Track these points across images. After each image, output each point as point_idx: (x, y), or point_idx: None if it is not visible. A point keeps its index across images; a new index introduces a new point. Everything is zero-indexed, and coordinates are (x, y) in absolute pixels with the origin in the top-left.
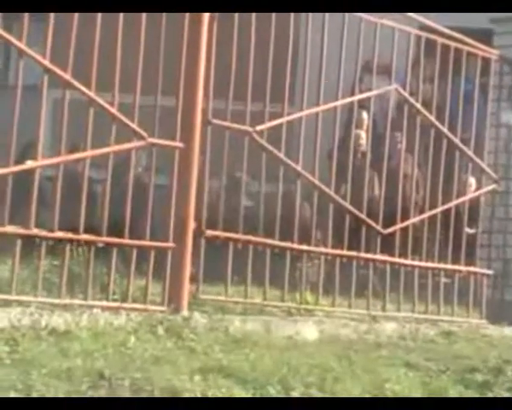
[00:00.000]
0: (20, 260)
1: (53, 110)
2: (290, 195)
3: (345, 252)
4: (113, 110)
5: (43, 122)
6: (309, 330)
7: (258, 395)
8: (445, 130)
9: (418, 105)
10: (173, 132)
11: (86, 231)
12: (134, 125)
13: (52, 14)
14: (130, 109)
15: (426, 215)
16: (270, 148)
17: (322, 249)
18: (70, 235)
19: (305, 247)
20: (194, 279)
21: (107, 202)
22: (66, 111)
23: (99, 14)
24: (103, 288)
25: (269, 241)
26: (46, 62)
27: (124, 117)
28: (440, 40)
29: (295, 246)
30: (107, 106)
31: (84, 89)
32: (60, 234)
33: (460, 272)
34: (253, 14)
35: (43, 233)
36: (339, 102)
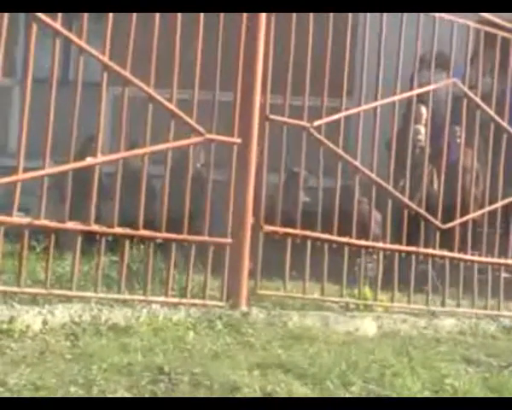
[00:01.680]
0: (81, 256)
1: (112, 107)
2: (348, 190)
3: (403, 247)
4: (172, 106)
5: (102, 119)
6: (368, 326)
7: (317, 391)
8: (505, 124)
9: (477, 99)
10: (231, 128)
11: (145, 227)
12: (192, 122)
13: (111, 13)
14: (189, 105)
15: (486, 210)
16: (328, 143)
17: (381, 244)
18: (129, 231)
19: (363, 242)
20: (252, 275)
21: (165, 198)
22: (125, 107)
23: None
24: (162, 283)
25: (327, 236)
26: (105, 59)
27: (182, 113)
28: (500, 33)
29: (354, 241)
30: (165, 102)
31: (143, 85)
32: (119, 230)
33: None
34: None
35: (103, 229)
36: (397, 97)
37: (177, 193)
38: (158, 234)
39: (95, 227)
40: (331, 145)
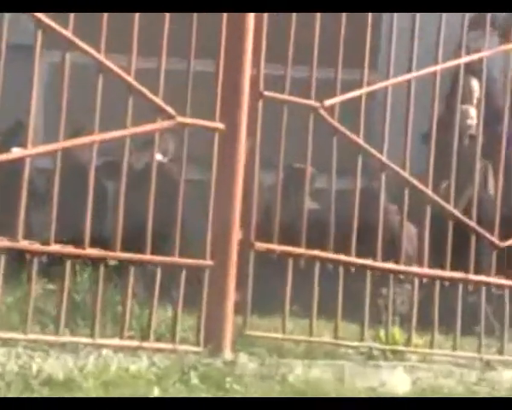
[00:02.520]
0: (5, 283)
1: (49, 78)
2: (371, 194)
3: (447, 273)
4: (130, 79)
5: (35, 94)
6: (398, 381)
7: None
8: None
9: None
10: (212, 109)
11: (94, 243)
12: (158, 100)
13: None
14: (154, 78)
15: None
16: (344, 129)
17: (416, 269)
18: (71, 249)
19: (391, 265)
20: (239, 309)
21: (121, 205)
22: (66, 80)
23: None
24: (117, 321)
25: (342, 257)
26: (40, 16)
27: (144, 88)
28: None
29: (379, 264)
30: (121, 73)
31: (90, 50)
32: (57, 248)
33: None
34: None
35: (36, 247)
36: (439, 67)
37: (138, 198)
38: (111, 253)
39: (24, 244)
40: (348, 133)
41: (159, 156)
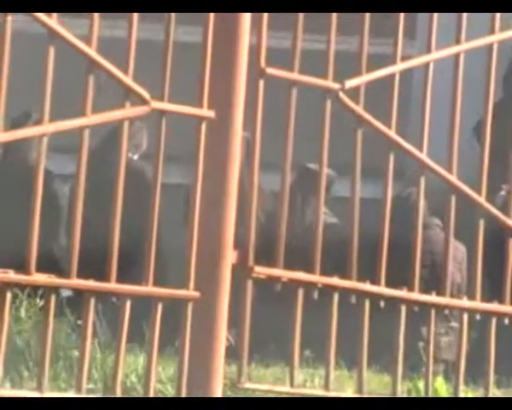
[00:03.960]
0: None
1: None
2: (406, 203)
3: (507, 307)
4: (92, 51)
5: None
6: None
7: None
8: None
9: None
10: (198, 91)
11: (41, 267)
12: (128, 79)
13: None
14: (122, 49)
15: None
16: (371, 118)
17: (466, 302)
18: (12, 275)
19: (433, 298)
20: (233, 354)
21: (79, 218)
22: (6, 50)
23: None
24: (72, 369)
25: (368, 287)
26: None
27: (110, 64)
28: None
29: (416, 296)
30: (79, 43)
31: (38, 14)
32: None
33: None
34: None
35: None
36: (495, 37)
37: (100, 208)
38: (65, 281)
39: None
40: (377, 123)
41: (133, 154)
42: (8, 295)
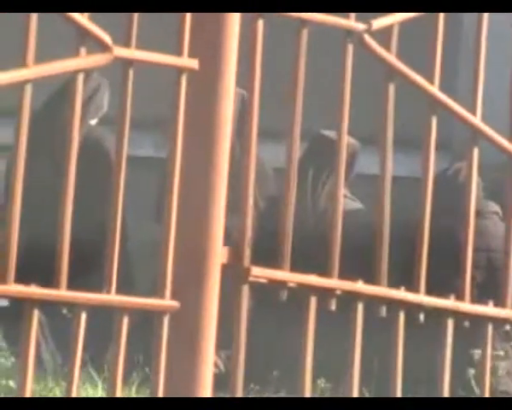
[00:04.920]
0: None
1: None
2: (452, 182)
3: None
4: None
5: None
6: None
7: None
8: None
9: None
10: (175, 35)
11: None
12: (84, 19)
13: None
14: None
15: None
16: (407, 70)
17: None
18: None
19: (489, 309)
20: (223, 384)
21: (17, 201)
22: None
23: None
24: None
25: (403, 294)
26: None
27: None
28: None
29: (466, 306)
30: None
31: None
32: None
33: None
34: None
35: None
36: None
37: (45, 188)
38: (3, 288)
39: None
40: (414, 76)
41: (90, 119)
42: None
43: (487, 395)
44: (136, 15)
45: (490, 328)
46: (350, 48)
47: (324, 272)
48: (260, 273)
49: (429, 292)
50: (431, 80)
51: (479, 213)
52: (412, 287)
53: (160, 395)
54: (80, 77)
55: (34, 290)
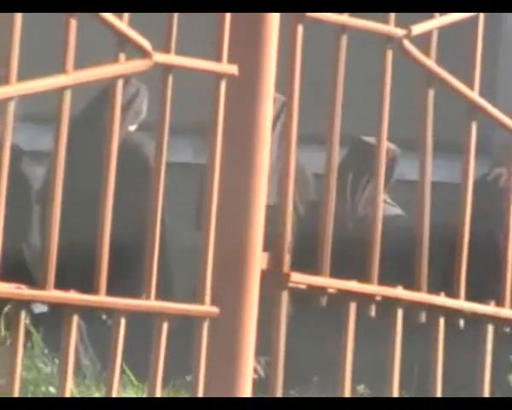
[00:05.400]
0: None
1: None
2: (493, 188)
3: None
4: None
5: None
6: None
7: None
8: None
9: None
10: (215, 41)
11: (7, 275)
12: (123, 25)
13: None
14: None
15: None
16: (447, 75)
17: None
18: None
19: None
20: (262, 389)
21: (56, 207)
22: None
23: None
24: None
25: (443, 300)
26: None
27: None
28: None
29: (507, 312)
30: None
31: None
32: None
33: None
34: None
35: None
36: None
37: (84, 194)
38: (39, 293)
39: None
40: (454, 81)
41: (129, 125)
42: None
43: None
44: (175, 21)
45: None
46: (389, 53)
47: (364, 277)
48: (300, 279)
49: (469, 298)
50: (470, 86)
51: None
52: (452, 293)
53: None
54: (119, 83)
55: (73, 296)
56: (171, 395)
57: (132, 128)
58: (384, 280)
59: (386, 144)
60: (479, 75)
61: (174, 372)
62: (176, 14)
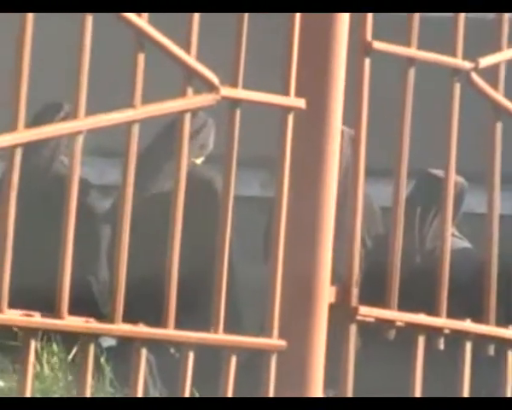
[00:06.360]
0: None
1: None
2: None
3: None
4: (142, 22)
5: None
6: None
7: None
8: None
9: None
10: (282, 76)
11: (76, 309)
12: (191, 59)
13: None
14: (183, 22)
15: None
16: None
17: None
18: (37, 318)
19: None
20: None
21: (124, 240)
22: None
23: None
24: None
25: None
26: None
27: (167, 39)
28: None
29: None
30: (132, 18)
31: None
32: (13, 316)
33: None
34: None
35: None
36: None
37: (152, 227)
38: (108, 326)
39: None
40: None
41: (195, 158)
42: (33, 345)
43: None
44: (242, 55)
45: None
46: (457, 86)
47: (431, 310)
48: (368, 313)
49: None
50: None
51: None
52: None
53: None
54: (187, 117)
55: (142, 330)
56: None
57: (199, 161)
58: (452, 313)
59: (454, 177)
60: None
61: None
62: (243, 48)
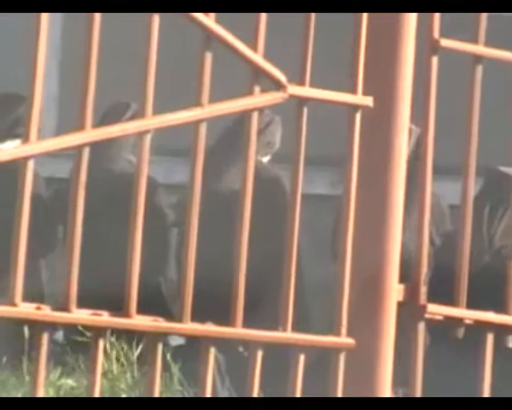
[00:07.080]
0: None
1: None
2: None
3: None
4: (209, 20)
5: (41, 63)
6: None
7: None
8: None
9: None
10: (349, 74)
11: (144, 308)
12: (258, 57)
13: None
14: (249, 21)
15: None
16: None
17: None
18: (105, 318)
19: None
20: None
21: (192, 240)
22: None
23: None
24: None
25: None
26: None
27: (232, 37)
28: None
29: None
30: (199, 17)
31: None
32: (84, 316)
33: None
34: None
35: (45, 314)
36: None
37: (220, 226)
38: (176, 325)
39: (25, 308)
40: None
41: (262, 156)
42: (102, 344)
43: None
44: (309, 52)
45: None
46: None
47: (499, 308)
48: (436, 311)
49: None
50: None
51: None
52: None
53: None
54: (255, 116)
55: (210, 328)
56: None
57: (266, 159)
58: None
59: None
60: None
61: None
62: (311, 46)
